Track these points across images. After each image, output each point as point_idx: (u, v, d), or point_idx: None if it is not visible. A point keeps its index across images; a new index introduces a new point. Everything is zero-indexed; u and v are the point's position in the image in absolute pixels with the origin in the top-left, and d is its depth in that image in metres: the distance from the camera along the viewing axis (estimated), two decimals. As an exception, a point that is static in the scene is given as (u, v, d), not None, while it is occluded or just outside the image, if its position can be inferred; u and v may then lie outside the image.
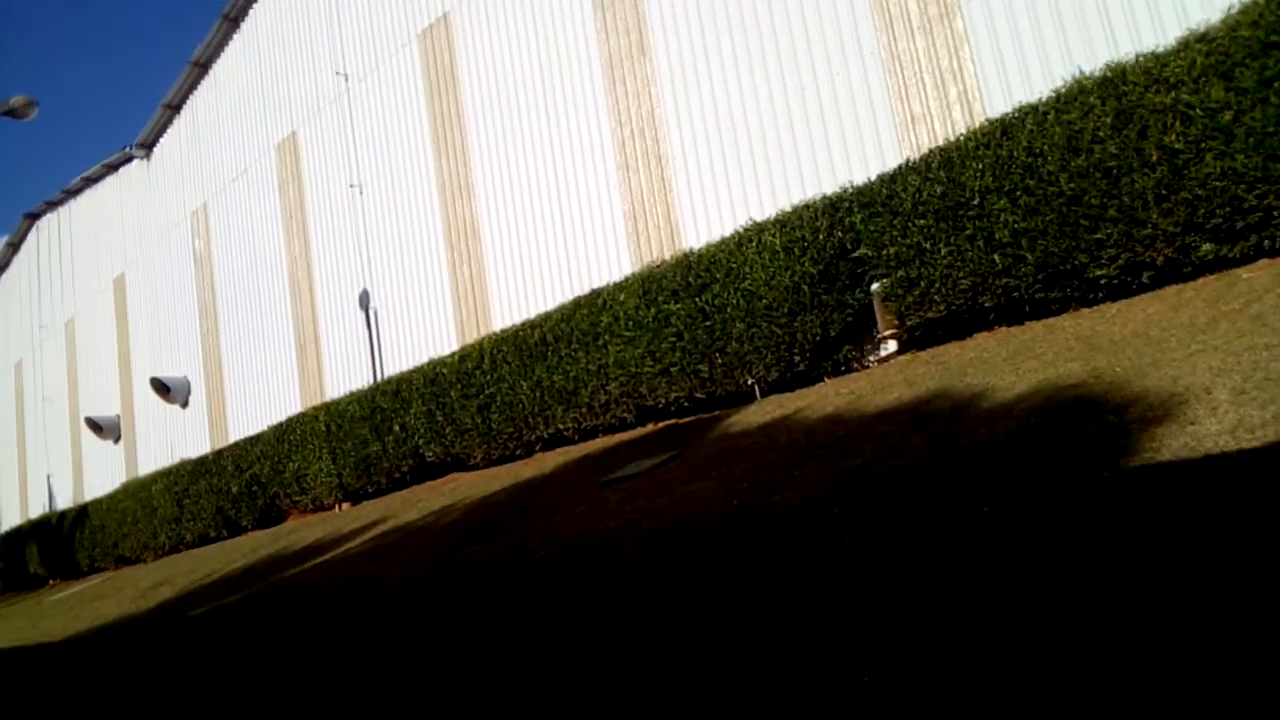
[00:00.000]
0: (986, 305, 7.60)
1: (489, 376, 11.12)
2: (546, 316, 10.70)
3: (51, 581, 20.81)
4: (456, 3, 13.99)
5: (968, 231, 7.48)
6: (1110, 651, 2.42)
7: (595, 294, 10.21)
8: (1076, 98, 6.95)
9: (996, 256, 7.33)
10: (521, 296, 12.78)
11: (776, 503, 4.76)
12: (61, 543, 19.98)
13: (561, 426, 10.46)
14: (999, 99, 8.46)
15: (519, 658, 3.88)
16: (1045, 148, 7.01)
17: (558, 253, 12.44)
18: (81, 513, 19.77)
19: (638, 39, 11.51)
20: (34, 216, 26.43)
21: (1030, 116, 7.20)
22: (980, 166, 7.40)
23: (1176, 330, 5.48)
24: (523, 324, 11.04)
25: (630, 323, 9.61)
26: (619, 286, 9.99)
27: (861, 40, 9.53)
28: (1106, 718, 2.12)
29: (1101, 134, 6.74)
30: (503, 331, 11.39)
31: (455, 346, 12.81)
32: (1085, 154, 6.80)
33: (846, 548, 3.81)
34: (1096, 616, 2.62)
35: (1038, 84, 8.05)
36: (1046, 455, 4.05)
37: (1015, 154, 7.19)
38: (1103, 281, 6.95)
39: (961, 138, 7.73)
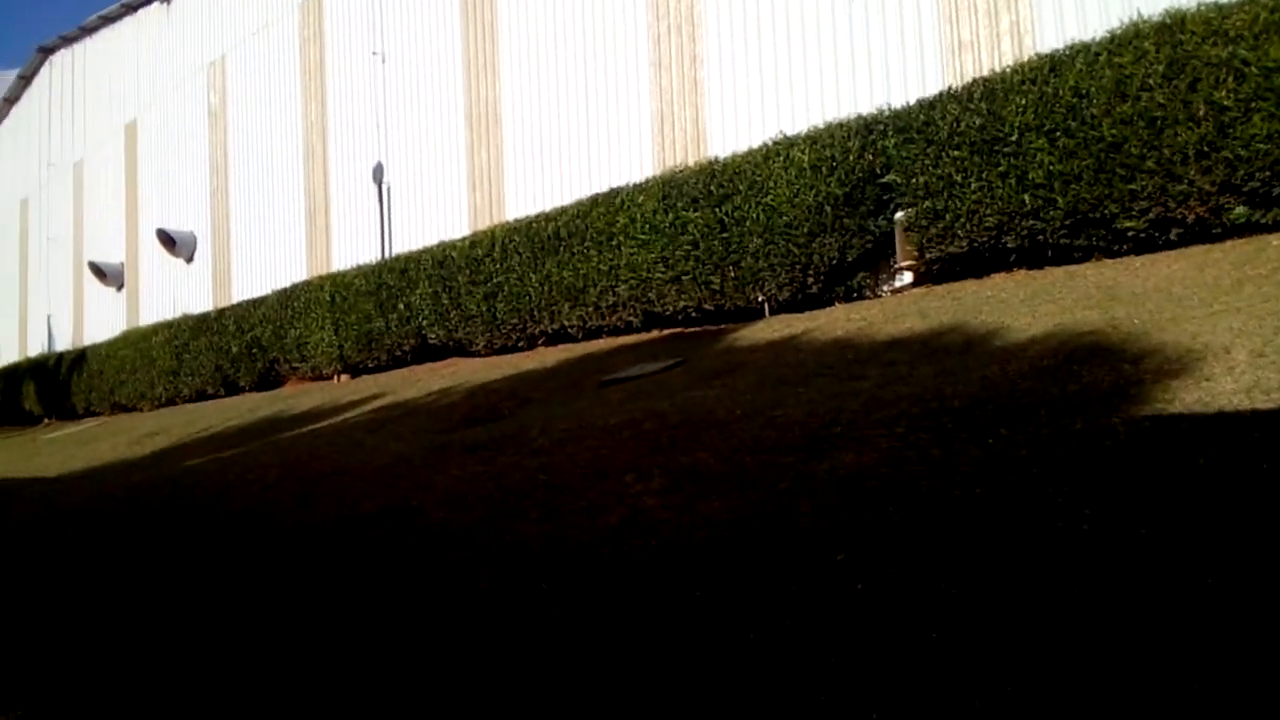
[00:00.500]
0: (1009, 245, 7.51)
1: (498, 265, 11.06)
2: (562, 211, 10.58)
3: (46, 420, 21.09)
4: (501, -128, 13.40)
5: (1001, 168, 7.34)
6: (1102, 602, 2.46)
7: (614, 193, 10.08)
8: (1131, 41, 6.74)
9: (1027, 197, 7.21)
10: (538, 188, 12.61)
11: (779, 416, 4.78)
12: (59, 384, 20.17)
13: (567, 323, 10.45)
14: (1051, 34, 8.20)
15: (512, 539, 3.95)
16: (1092, 90, 6.83)
17: (579, 147, 12.22)
18: (80, 356, 19.91)
19: (686, -70, 11.07)
20: (48, 51, 25.81)
21: (1081, 56, 6.99)
22: (1023, 102, 7.22)
23: (1200, 289, 5.43)
24: (537, 216, 10.92)
25: (646, 226, 9.51)
26: (639, 188, 9.85)
27: (918, -43, 9.17)
28: (1101, 677, 2.17)
29: (1152, 82, 6.55)
30: (516, 222, 11.28)
31: (467, 231, 12.70)
32: (1132, 101, 6.63)
33: (846, 464, 3.84)
34: (1092, 561, 2.66)
35: (1093, 22, 7.78)
36: (1056, 397, 4.06)
37: (1061, 93, 7.01)
38: (1130, 234, 6.86)
39: (1008, 70, 7.52)
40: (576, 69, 12.27)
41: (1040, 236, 7.30)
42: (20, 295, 27.54)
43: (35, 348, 25.30)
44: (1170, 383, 3.89)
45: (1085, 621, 2.33)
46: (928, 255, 8.10)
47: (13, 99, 27.85)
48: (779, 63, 10.22)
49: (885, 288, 8.74)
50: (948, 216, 7.75)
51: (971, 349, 5.48)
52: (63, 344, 23.88)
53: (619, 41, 11.76)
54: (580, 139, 12.21)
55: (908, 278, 8.61)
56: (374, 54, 15.44)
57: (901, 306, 7.46)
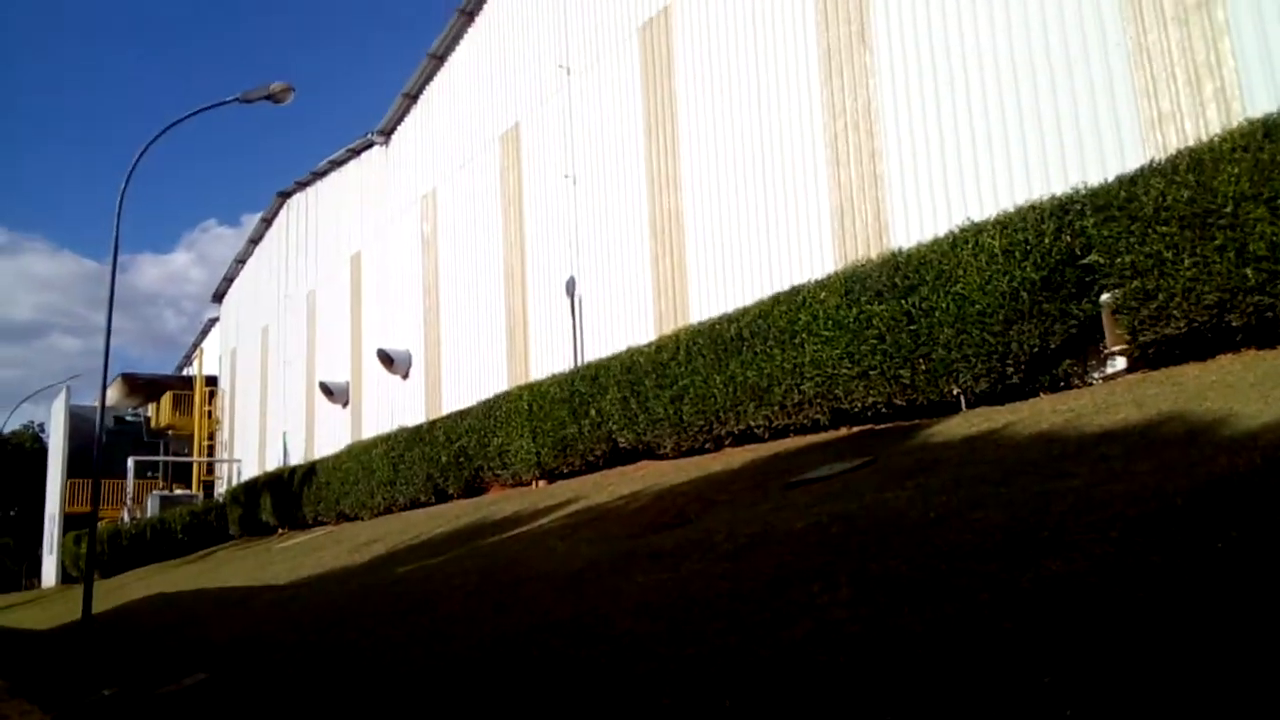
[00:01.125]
0: (1234, 324, 6.86)
1: (683, 368, 11.21)
2: (744, 311, 10.65)
3: (280, 530, 22.92)
4: (677, -3, 14.14)
5: (1217, 242, 6.78)
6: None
7: (795, 291, 10.06)
8: (1361, 95, 6.14)
9: (1249, 270, 6.60)
10: (720, 290, 12.79)
11: (978, 519, 4.49)
12: (291, 496, 21.95)
13: (752, 423, 10.39)
14: (1262, 97, 7.62)
15: (695, 651, 3.87)
16: (1317, 151, 6.24)
17: (759, 248, 12.35)
18: (310, 470, 21.63)
19: (859, 28, 11.21)
20: (285, 195, 29.12)
21: (1301, 116, 6.44)
22: (1236, 171, 6.69)
23: None
24: (719, 318, 11.05)
25: (830, 322, 9.40)
26: (820, 284, 9.79)
27: (1106, 30, 8.84)
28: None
29: (1389, 137, 5.92)
30: (699, 324, 11.45)
31: (653, 336, 13.01)
32: (1367, 160, 6.00)
33: (1054, 573, 3.54)
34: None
35: (1313, 80, 7.17)
36: (1299, 494, 3.59)
37: (1278, 158, 6.44)
38: (1379, 304, 6.11)
39: (1216, 138, 7.03)
40: (754, 172, 12.51)
41: (1269, 312, 6.63)
42: (260, 414, 30.48)
43: (272, 462, 27.77)
44: None
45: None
46: (1141, 338, 7.52)
47: (256, 239, 31.47)
48: (962, 150, 10.01)
49: (1095, 375, 8.16)
50: (1160, 296, 7.21)
51: (1195, 440, 4.97)
52: (296, 458, 26.08)
53: (796, 142, 11.92)
54: (760, 239, 12.35)
55: (1120, 363, 8.01)
56: (566, 177, 16.40)
57: (1114, 395, 6.92)
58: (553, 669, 4.20)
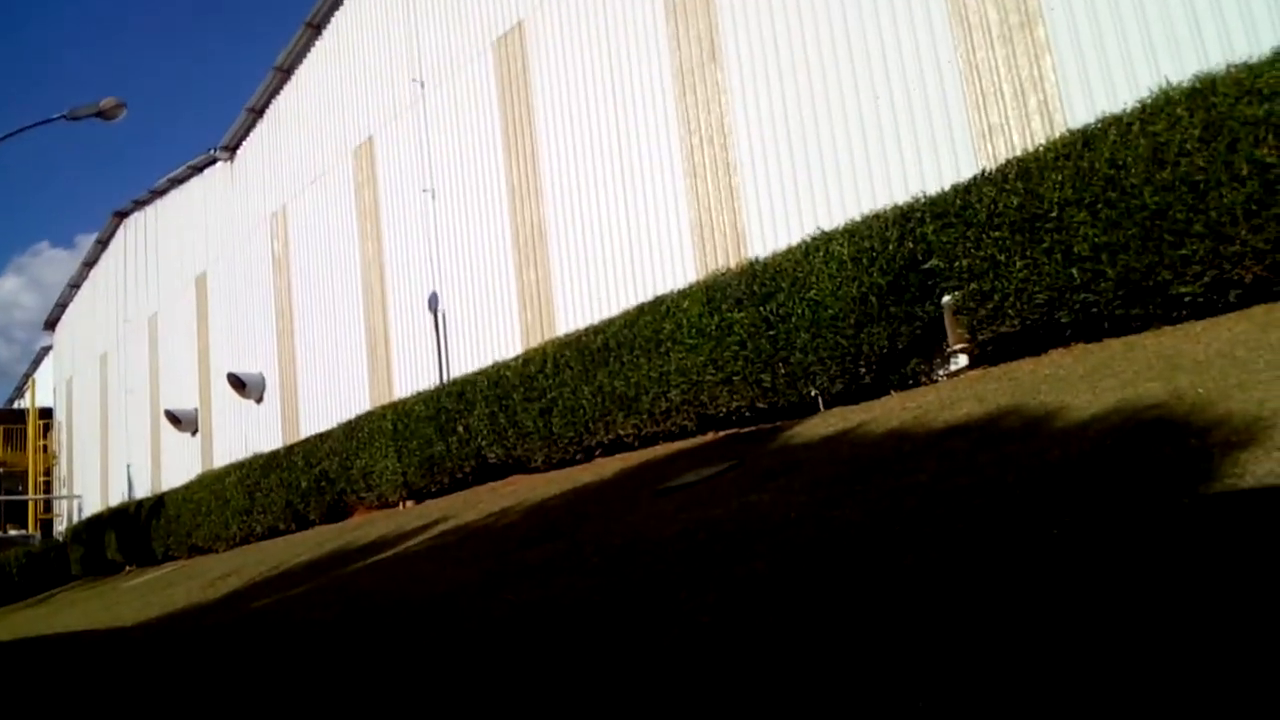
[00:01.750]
0: (1063, 321, 7.34)
1: (551, 380, 11.15)
2: (610, 322, 10.69)
3: (128, 568, 21.53)
4: (531, 10, 14.12)
5: (1045, 244, 7.24)
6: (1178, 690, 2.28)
7: (659, 300, 10.17)
8: (1163, 109, 6.68)
9: (1075, 271, 7.08)
10: (586, 301, 12.81)
11: (836, 517, 4.64)
12: (139, 530, 20.66)
13: (622, 432, 10.43)
14: (1081, 109, 8.19)
15: (560, 667, 3.84)
16: (1129, 159, 6.75)
17: (623, 259, 12.44)
18: (158, 502, 20.43)
19: (709, 47, 11.46)
20: (122, 215, 27.46)
21: (1114, 127, 6.95)
22: (1060, 178, 7.17)
23: (1264, 351, 5.21)
24: (586, 329, 11.05)
25: (693, 330, 9.54)
26: (683, 294, 9.93)
27: (939, 49, 9.33)
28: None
29: (1189, 146, 6.46)
30: (566, 336, 11.43)
31: (520, 349, 12.91)
32: (1171, 167, 6.53)
33: (907, 567, 3.68)
34: (1170, 651, 2.47)
35: (1122, 94, 7.77)
36: (1122, 477, 3.87)
37: (1097, 165, 6.94)
38: (1187, 299, 6.66)
39: (1041, 148, 7.49)
40: (616, 184, 12.60)
41: (1094, 309, 7.12)
42: (101, 446, 28.58)
43: (116, 497, 26.08)
44: (1239, 455, 3.68)
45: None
46: (980, 336, 7.95)
47: (91, 262, 29.54)
48: (810, 163, 10.37)
49: (940, 372, 8.57)
50: (996, 297, 7.64)
51: (1032, 432, 5.29)
52: (142, 491, 24.58)
53: (655, 156, 12.08)
54: (624, 251, 12.44)
55: (963, 360, 8.44)
56: (424, 190, 16.09)
57: (957, 391, 7.29)
58: (417, 702, 4.08)
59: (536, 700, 3.54)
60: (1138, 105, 6.89)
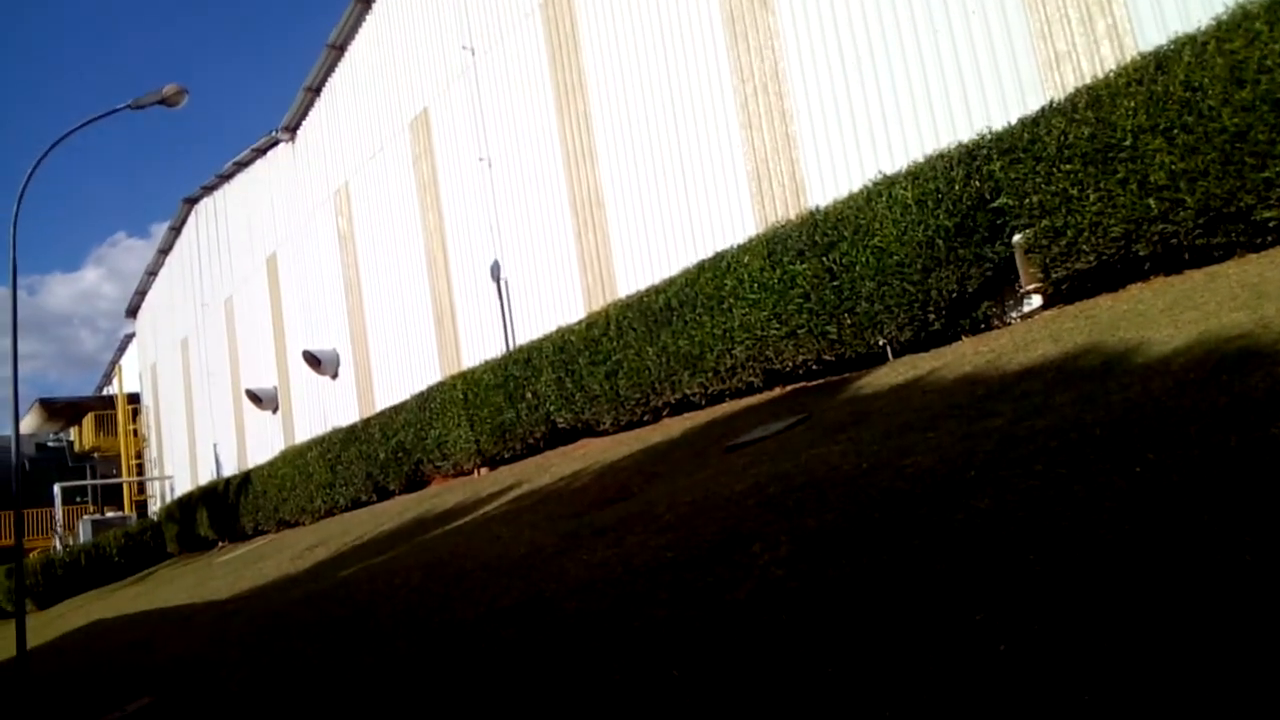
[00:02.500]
0: (1141, 254, 7.07)
1: (615, 343, 11.17)
2: (670, 281, 10.65)
3: (220, 544, 22.39)
4: (577, -31, 13.95)
5: (1119, 175, 6.96)
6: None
7: (719, 257, 10.08)
8: (1240, 24, 6.34)
9: (1152, 201, 6.80)
10: (646, 262, 12.76)
11: (908, 466, 4.57)
12: (228, 507, 21.44)
13: (688, 391, 10.42)
14: (1153, 31, 7.80)
15: (635, 626, 3.88)
16: (1205, 81, 6.43)
17: (681, 216, 12.34)
18: (245, 479, 21.14)
19: (759, -8, 11.19)
20: (192, 201, 28.16)
21: (1188, 47, 6.62)
22: (1132, 104, 6.87)
23: (1362, 274, 4.94)
24: (647, 290, 11.02)
25: (755, 285, 9.44)
26: (743, 248, 9.82)
27: (998, -24, 8.96)
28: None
29: (1269, 63, 6.13)
30: (628, 298, 11.41)
31: (582, 314, 12.94)
32: (1250, 85, 6.20)
33: (982, 511, 3.61)
34: (1264, 599, 2.38)
35: (1195, 12, 7.38)
36: (1206, 412, 3.72)
37: (1172, 89, 6.63)
38: (1271, 224, 6.35)
39: (1111, 74, 7.19)
40: (671, 141, 12.47)
41: (1174, 240, 6.84)
42: (188, 428, 29.63)
43: (205, 476, 27.06)
44: (1338, 382, 3.51)
45: (1255, 674, 2.07)
46: (1054, 275, 7.70)
47: (166, 249, 30.42)
48: (869, 103, 10.10)
49: (1014, 314, 8.35)
50: (1069, 233, 7.39)
51: (1111, 370, 5.12)
52: (229, 469, 25.45)
53: (708, 109, 11.90)
54: (681, 208, 12.34)
55: (1036, 301, 8.21)
56: (480, 160, 16.14)
57: (1032, 332, 7.09)
58: (502, 659, 4.16)
59: (614, 660, 3.58)
60: (1213, 23, 6.55)
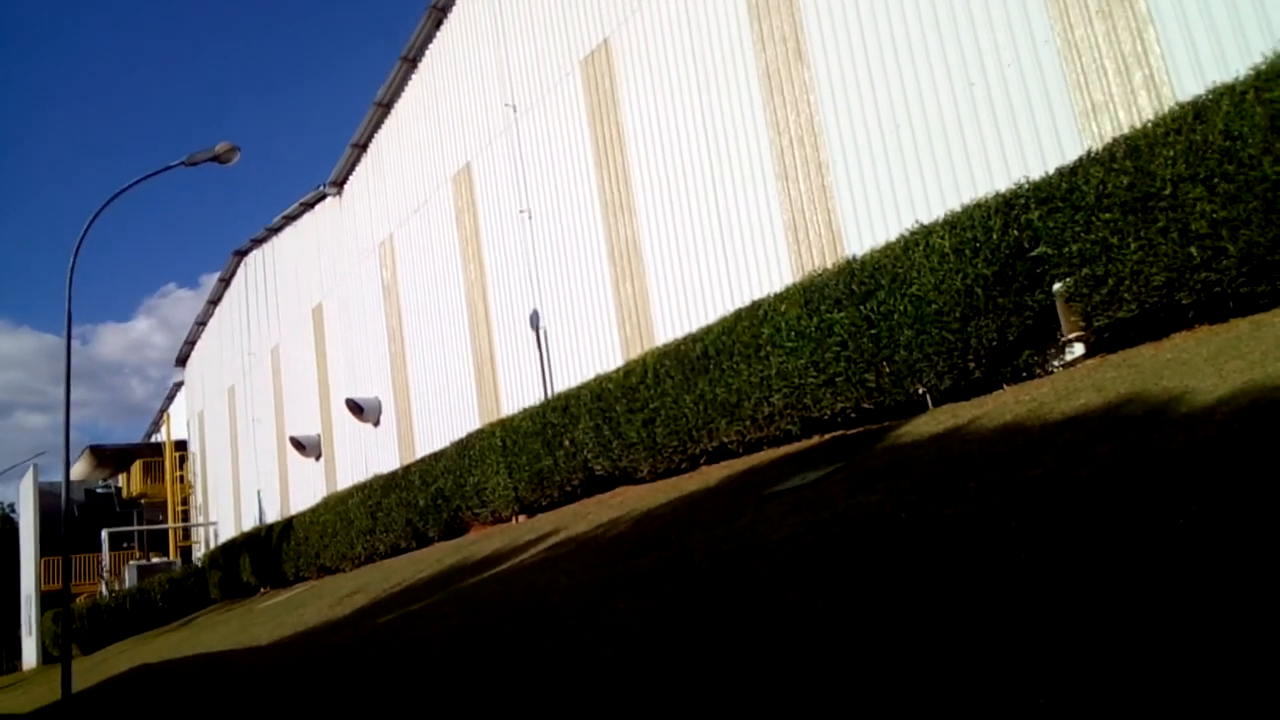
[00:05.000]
0: (1184, 302, 6.99)
1: (653, 390, 11.21)
2: (708, 330, 10.69)
3: (262, 590, 22.56)
4: (616, 27, 14.30)
5: (1160, 224, 6.92)
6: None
7: (756, 305, 10.12)
8: (1279, 74, 6.32)
9: (1193, 249, 6.74)
10: (683, 310, 12.85)
11: (948, 516, 4.53)
12: (270, 553, 21.64)
13: (725, 439, 10.41)
14: (1190, 81, 7.81)
15: (671, 673, 3.87)
16: (1245, 130, 6.40)
17: (718, 265, 12.44)
18: (287, 525, 21.35)
19: (794, 46, 11.39)
20: (242, 254, 28.92)
21: (1226, 97, 6.60)
22: (1171, 154, 6.84)
23: None
24: (684, 338, 11.07)
25: (792, 333, 9.46)
26: (780, 297, 9.86)
27: (1034, 29, 9.04)
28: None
29: (1312, 109, 6.09)
30: (665, 346, 11.47)
31: (620, 362, 13.01)
32: (1293, 133, 6.16)
33: (1022, 564, 3.57)
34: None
35: (1234, 62, 7.38)
36: (1252, 463, 3.67)
37: (1211, 138, 6.60)
38: (1319, 273, 6.26)
39: (1149, 124, 7.17)
40: (707, 192, 12.62)
41: (1216, 288, 6.76)
42: (232, 475, 30.08)
43: (248, 522, 27.39)
44: (1387, 432, 3.45)
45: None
46: (1095, 323, 7.64)
47: (215, 300, 31.20)
48: (905, 155, 10.17)
49: (1055, 362, 8.27)
50: (1110, 281, 7.33)
51: (1154, 420, 5.06)
52: (272, 516, 25.74)
53: (744, 160, 12.05)
54: (718, 258, 12.44)
55: (1079, 349, 8.13)
56: (521, 212, 16.44)
57: (1074, 381, 7.02)
58: (540, 708, 4.16)
59: (647, 708, 3.58)
60: (1251, 72, 6.54)
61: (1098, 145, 7.78)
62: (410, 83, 20.25)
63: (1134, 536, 3.42)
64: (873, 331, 8.76)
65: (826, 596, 4.00)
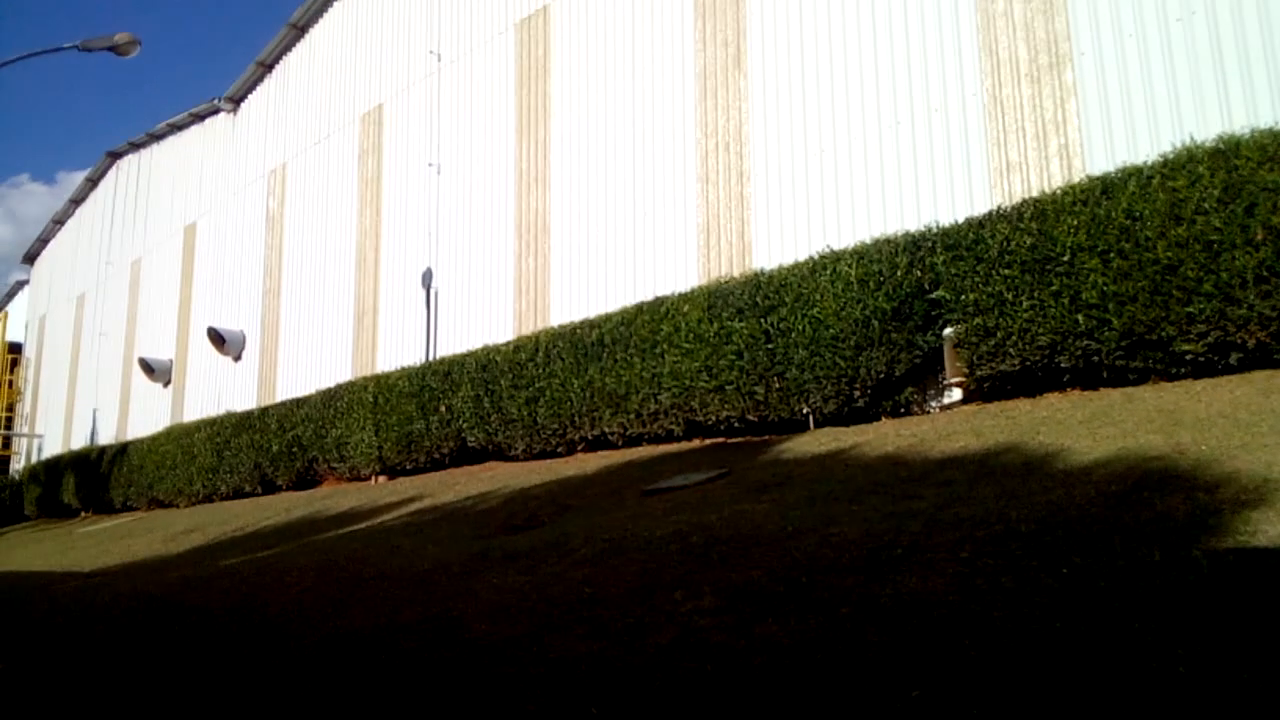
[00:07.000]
0: (1063, 365, 7.39)
1: (541, 370, 11.09)
2: (606, 318, 10.66)
3: (84, 513, 21.21)
4: (558, -3, 14.06)
5: (1054, 287, 7.29)
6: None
7: (659, 301, 10.15)
8: (1184, 165, 6.76)
9: (1080, 317, 7.13)
10: (584, 295, 12.76)
11: (835, 534, 4.62)
12: (99, 477, 20.35)
13: (608, 430, 10.39)
14: (1101, 157, 8.27)
15: (551, 658, 3.80)
16: (1146, 212, 6.82)
17: (625, 256, 12.40)
18: (122, 450, 20.14)
19: (734, 52, 11.46)
20: (116, 155, 27.06)
21: (1134, 179, 7.02)
22: (1075, 223, 7.22)
23: (1268, 415, 5.26)
24: (581, 322, 11.01)
25: (691, 335, 9.52)
26: (684, 297, 9.92)
27: (965, 80, 9.38)
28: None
29: (1207, 205, 6.53)
30: (560, 327, 11.37)
31: (511, 336, 12.83)
32: (1187, 224, 6.60)
33: (911, 590, 3.67)
34: (1195, 710, 2.47)
35: (1143, 147, 7.86)
36: (1130, 525, 3.88)
37: (1114, 214, 7.00)
38: (1188, 357, 6.73)
39: (1058, 191, 7.56)
40: (625, 180, 12.56)
41: (1095, 357, 7.18)
42: (69, 388, 28.13)
43: (79, 440, 25.67)
44: (1250, 514, 3.70)
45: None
46: (978, 372, 7.99)
47: (78, 199, 29.08)
48: (825, 180, 10.38)
49: (934, 404, 8.61)
50: (999, 334, 7.68)
51: (1033, 471, 5.30)
52: (106, 437, 24.21)
53: (668, 157, 12.05)
54: (626, 248, 12.40)
55: (957, 394, 8.48)
56: (430, 165, 15.97)
57: (953, 424, 7.31)
58: (405, 672, 4.01)
59: (529, 688, 3.49)
60: (1159, 159, 6.96)
61: (1008, 203, 8.14)
62: (331, 9, 19.39)
63: (1020, 579, 3.55)
64: (770, 346, 8.91)
65: (715, 598, 4.00)
